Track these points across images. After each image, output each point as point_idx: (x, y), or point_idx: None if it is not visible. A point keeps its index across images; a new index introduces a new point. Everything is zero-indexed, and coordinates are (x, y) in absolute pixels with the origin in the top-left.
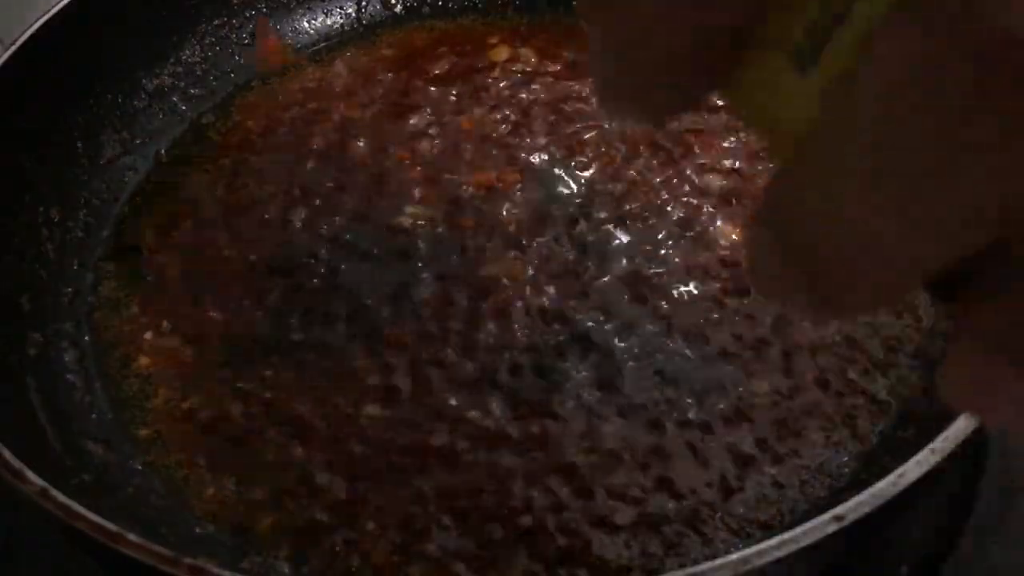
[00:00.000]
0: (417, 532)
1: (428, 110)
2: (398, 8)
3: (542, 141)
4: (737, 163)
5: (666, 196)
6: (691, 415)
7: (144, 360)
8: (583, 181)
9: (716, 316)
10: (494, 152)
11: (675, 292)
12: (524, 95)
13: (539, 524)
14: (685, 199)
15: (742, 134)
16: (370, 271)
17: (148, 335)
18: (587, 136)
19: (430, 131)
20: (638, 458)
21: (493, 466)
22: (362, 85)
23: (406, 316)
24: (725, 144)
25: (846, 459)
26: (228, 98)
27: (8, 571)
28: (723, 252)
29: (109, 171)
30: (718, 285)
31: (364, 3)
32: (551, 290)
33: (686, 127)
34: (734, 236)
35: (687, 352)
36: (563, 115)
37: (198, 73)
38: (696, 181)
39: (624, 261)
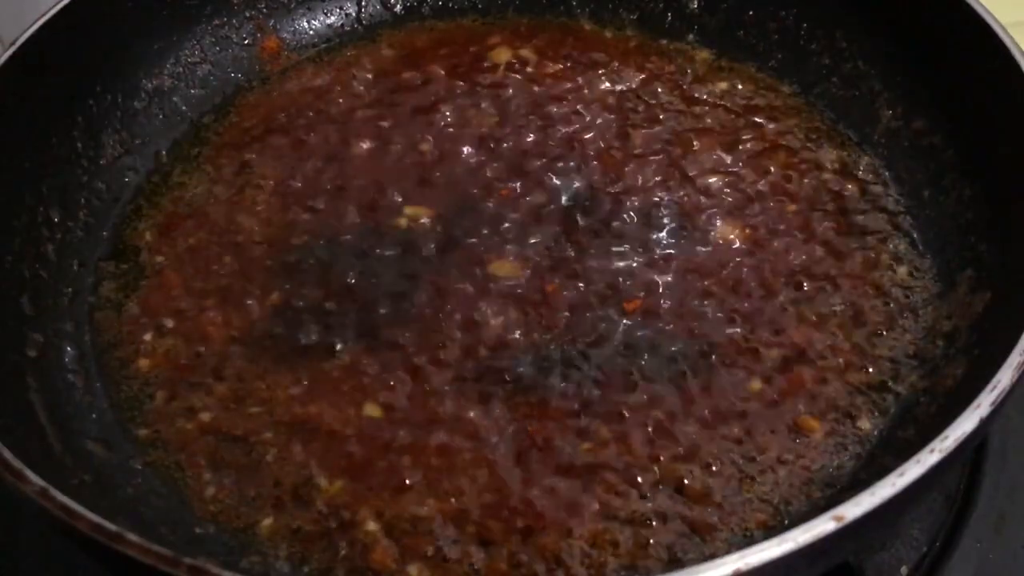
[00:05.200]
0: (417, 532)
1: (428, 110)
2: (398, 8)
3: (542, 141)
4: (737, 163)
5: (666, 196)
6: (692, 416)
7: (144, 362)
8: (583, 181)
9: (717, 316)
10: (494, 152)
11: (676, 292)
12: (524, 95)
13: (539, 523)
14: (685, 199)
15: (742, 134)
16: (370, 271)
17: (148, 336)
18: (587, 136)
19: (430, 131)
20: (639, 458)
21: (493, 466)
22: (362, 85)
23: (406, 316)
24: (725, 144)
25: (846, 459)
26: (228, 98)
27: (8, 571)
28: (723, 251)
29: (109, 171)
30: (719, 285)
31: (364, 3)
32: (551, 290)
33: (686, 127)
34: (732, 235)
35: (688, 353)
36: (563, 115)
37: (198, 73)
38: (696, 181)
39: (623, 261)
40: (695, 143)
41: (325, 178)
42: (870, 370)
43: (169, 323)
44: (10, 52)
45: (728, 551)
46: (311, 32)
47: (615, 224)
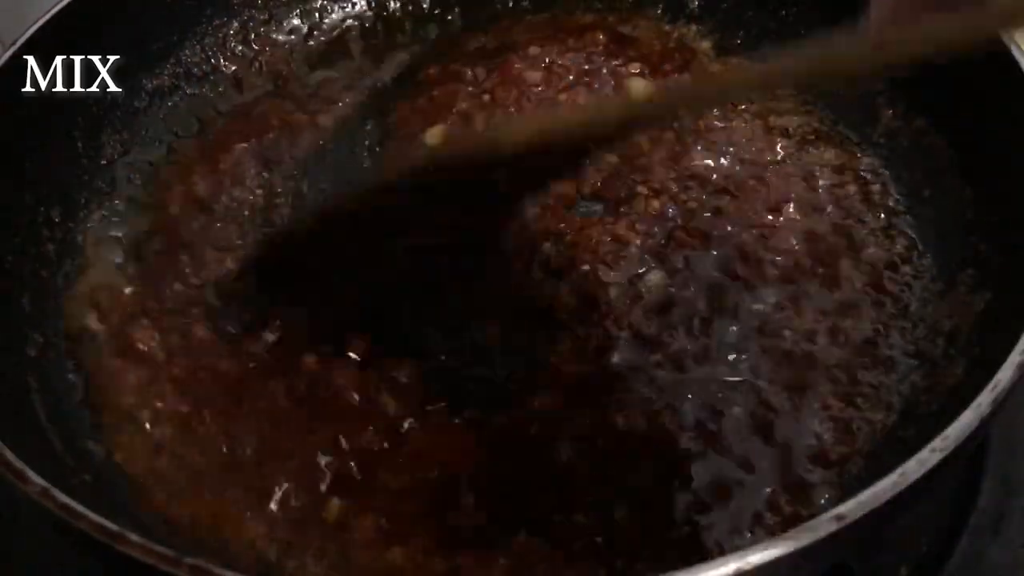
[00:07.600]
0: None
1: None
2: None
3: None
4: (737, 163)
5: (666, 196)
6: (693, 416)
7: (135, 375)
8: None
9: (718, 316)
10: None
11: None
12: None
13: (541, 518)
14: (684, 199)
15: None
16: (367, 272)
17: (145, 347)
18: None
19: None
20: (638, 457)
21: (492, 467)
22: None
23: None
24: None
25: (846, 459)
26: (227, 99)
27: (7, 571)
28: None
29: (109, 171)
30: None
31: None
32: (550, 291)
33: (686, 126)
34: (729, 227)
35: (690, 353)
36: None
37: (198, 73)
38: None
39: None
40: (694, 143)
41: (321, 179)
42: (870, 369)
43: (160, 336)
44: (10, 52)
45: (728, 551)
46: (311, 31)
47: (617, 222)
